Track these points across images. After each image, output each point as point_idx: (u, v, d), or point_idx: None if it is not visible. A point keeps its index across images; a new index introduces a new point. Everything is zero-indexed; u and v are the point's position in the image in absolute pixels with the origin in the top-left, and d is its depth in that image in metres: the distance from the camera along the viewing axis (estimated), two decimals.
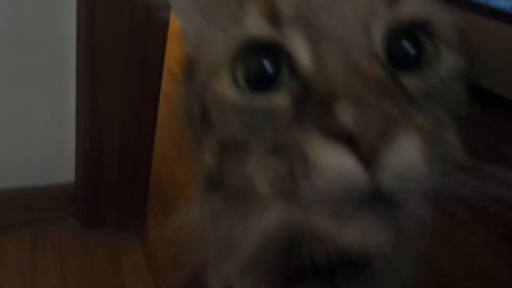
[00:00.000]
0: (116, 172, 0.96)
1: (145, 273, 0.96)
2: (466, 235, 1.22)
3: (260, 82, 0.25)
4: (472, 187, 0.23)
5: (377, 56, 0.24)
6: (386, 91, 0.22)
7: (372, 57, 0.24)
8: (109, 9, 0.79)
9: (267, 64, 0.25)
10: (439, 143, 0.23)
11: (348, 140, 0.21)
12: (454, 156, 0.24)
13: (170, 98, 1.75)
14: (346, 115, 0.21)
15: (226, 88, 0.26)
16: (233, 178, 0.27)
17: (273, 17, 0.25)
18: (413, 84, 0.24)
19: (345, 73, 0.23)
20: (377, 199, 0.21)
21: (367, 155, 0.20)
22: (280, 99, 0.25)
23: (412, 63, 0.25)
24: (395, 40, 0.25)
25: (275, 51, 0.25)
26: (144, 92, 0.90)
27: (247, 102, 0.25)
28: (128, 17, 0.81)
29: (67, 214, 1.00)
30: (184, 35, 0.33)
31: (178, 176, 1.30)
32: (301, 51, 0.24)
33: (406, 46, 0.25)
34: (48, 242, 0.96)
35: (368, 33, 0.24)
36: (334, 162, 0.21)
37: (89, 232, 1.00)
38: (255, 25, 0.25)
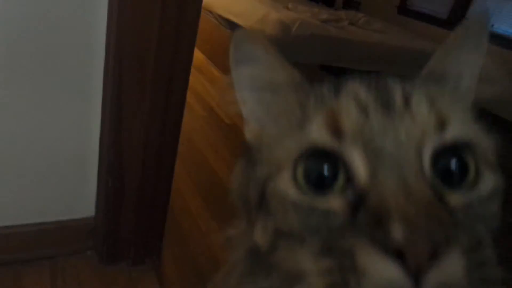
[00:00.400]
0: (135, 207, 0.99)
1: None
2: None
3: (319, 184, 0.28)
4: None
5: (426, 176, 0.27)
6: (433, 213, 0.24)
7: (422, 178, 0.26)
8: (136, 35, 0.79)
9: (326, 168, 0.28)
10: (478, 259, 0.25)
11: (397, 254, 0.23)
12: (491, 270, 0.26)
13: (187, 131, 1.78)
14: (397, 232, 0.23)
15: (287, 187, 0.29)
16: (283, 260, 0.30)
17: (336, 131, 0.28)
18: (457, 200, 0.27)
19: (398, 192, 0.25)
20: None
21: (414, 270, 0.23)
22: (335, 202, 0.27)
23: (457, 180, 0.28)
24: (442, 159, 0.28)
25: (334, 158, 0.28)
26: (166, 127, 0.92)
27: (306, 201, 0.28)
28: (155, 48, 0.82)
29: (86, 248, 1.03)
30: (246, 121, 0.37)
31: (192, 209, 1.32)
32: (358, 165, 0.27)
33: (452, 165, 0.28)
34: (67, 275, 0.98)
35: (419, 155, 0.27)
36: (384, 272, 0.24)
37: (107, 266, 1.02)
38: (319, 135, 0.29)
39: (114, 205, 0.98)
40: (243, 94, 0.36)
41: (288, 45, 2.25)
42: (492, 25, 3.41)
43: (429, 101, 0.29)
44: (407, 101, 0.29)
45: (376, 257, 0.24)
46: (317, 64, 2.41)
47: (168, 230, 1.12)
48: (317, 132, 0.29)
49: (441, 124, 0.28)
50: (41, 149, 0.90)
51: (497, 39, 3.28)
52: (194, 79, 2.42)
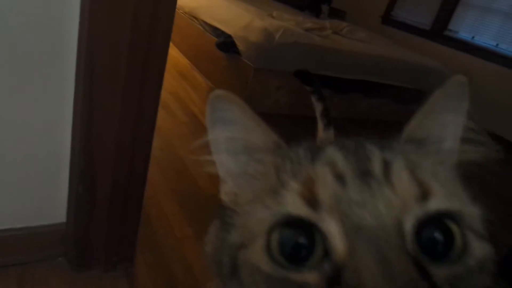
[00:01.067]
0: (106, 214, 0.98)
1: None
2: None
3: (294, 256, 0.26)
4: None
5: (408, 250, 0.25)
6: None
7: (403, 253, 0.25)
8: (108, 27, 0.77)
9: (302, 239, 0.27)
10: None
11: None
12: None
13: (162, 133, 1.77)
14: None
15: (260, 257, 0.27)
16: None
17: (311, 201, 0.27)
18: (443, 273, 0.25)
19: (376, 270, 0.24)
20: None
21: None
22: (311, 276, 0.26)
23: (442, 252, 0.26)
24: (426, 231, 0.26)
25: (311, 229, 0.27)
26: (139, 133, 0.92)
27: (279, 274, 0.26)
28: (127, 50, 0.80)
29: (57, 254, 1.01)
30: (222, 181, 0.35)
31: (169, 216, 1.32)
32: (335, 236, 0.26)
33: (436, 236, 0.27)
34: (36, 282, 0.97)
35: (400, 228, 0.26)
36: None
37: (78, 273, 1.01)
38: (294, 206, 0.27)
39: (85, 212, 0.96)
40: (220, 155, 0.35)
41: (271, 52, 2.26)
42: (473, 37, 3.48)
43: (410, 169, 0.28)
44: (387, 169, 0.28)
45: None
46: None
47: (142, 236, 1.12)
48: (292, 202, 0.27)
49: (424, 194, 0.27)
50: (11, 153, 0.88)
51: (478, 51, 3.35)
52: (177, 85, 2.42)
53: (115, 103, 0.86)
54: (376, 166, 0.28)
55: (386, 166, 0.28)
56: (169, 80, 2.34)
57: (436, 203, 0.27)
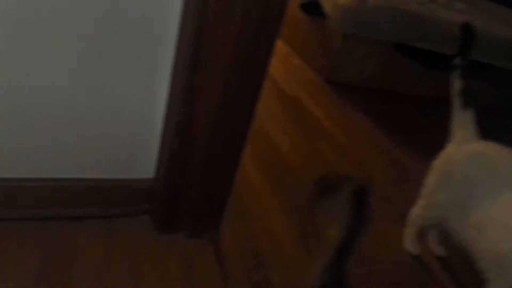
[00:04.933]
0: (200, 175, 0.88)
1: (217, 281, 0.88)
2: None
3: None
4: None
5: None
6: None
7: None
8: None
9: None
10: None
11: None
12: None
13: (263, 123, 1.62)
14: None
15: None
16: None
17: None
18: None
19: None
20: None
21: None
22: None
23: None
24: None
25: None
26: (244, 89, 0.81)
27: None
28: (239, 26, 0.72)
29: (141, 211, 0.95)
30: None
31: (253, 184, 1.22)
32: None
33: None
34: (121, 238, 0.91)
35: None
36: None
37: (162, 234, 0.94)
38: None
39: (177, 170, 0.88)
40: None
41: (363, 17, 2.04)
42: None
43: None
44: None
45: None
46: (392, 41, 2.20)
47: (230, 206, 1.02)
48: None
49: None
50: (105, 103, 0.81)
51: None
52: (277, 63, 2.29)
53: (223, 54, 0.74)
54: None
55: None
56: (276, 65, 2.21)
57: None
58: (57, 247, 0.84)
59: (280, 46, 2.53)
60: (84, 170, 0.87)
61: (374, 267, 1.03)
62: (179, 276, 0.87)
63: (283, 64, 2.26)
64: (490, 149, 0.94)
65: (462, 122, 1.00)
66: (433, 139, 1.58)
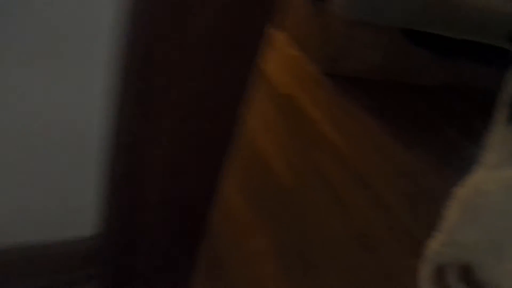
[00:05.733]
0: (157, 225, 0.68)
1: None
2: None
3: None
4: None
5: None
6: None
7: None
8: None
9: None
10: None
11: None
12: None
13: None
14: None
15: None
16: None
17: None
18: None
19: None
20: None
21: None
22: None
23: None
24: None
25: None
26: (219, 115, 0.63)
27: None
28: None
29: (87, 277, 0.74)
30: None
31: (237, 218, 1.00)
32: None
33: None
34: None
35: None
36: None
37: None
38: None
39: (126, 217, 0.67)
40: None
41: (369, 0, 1.87)
42: None
43: None
44: None
45: None
46: (399, 27, 2.02)
47: (201, 252, 0.80)
48: None
49: None
50: None
51: None
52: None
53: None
54: None
55: None
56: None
57: None
58: None
59: (275, 35, 2.30)
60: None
61: None
62: None
63: (278, 56, 2.04)
64: None
65: (502, 140, 0.82)
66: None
